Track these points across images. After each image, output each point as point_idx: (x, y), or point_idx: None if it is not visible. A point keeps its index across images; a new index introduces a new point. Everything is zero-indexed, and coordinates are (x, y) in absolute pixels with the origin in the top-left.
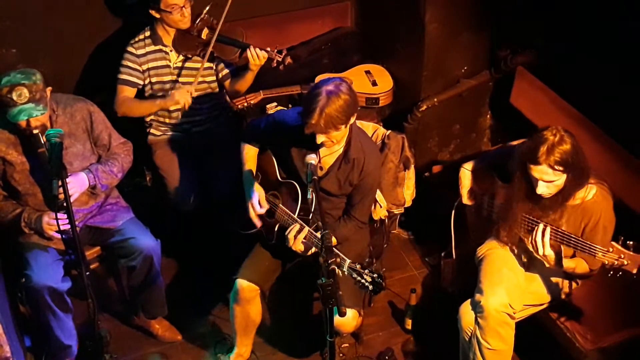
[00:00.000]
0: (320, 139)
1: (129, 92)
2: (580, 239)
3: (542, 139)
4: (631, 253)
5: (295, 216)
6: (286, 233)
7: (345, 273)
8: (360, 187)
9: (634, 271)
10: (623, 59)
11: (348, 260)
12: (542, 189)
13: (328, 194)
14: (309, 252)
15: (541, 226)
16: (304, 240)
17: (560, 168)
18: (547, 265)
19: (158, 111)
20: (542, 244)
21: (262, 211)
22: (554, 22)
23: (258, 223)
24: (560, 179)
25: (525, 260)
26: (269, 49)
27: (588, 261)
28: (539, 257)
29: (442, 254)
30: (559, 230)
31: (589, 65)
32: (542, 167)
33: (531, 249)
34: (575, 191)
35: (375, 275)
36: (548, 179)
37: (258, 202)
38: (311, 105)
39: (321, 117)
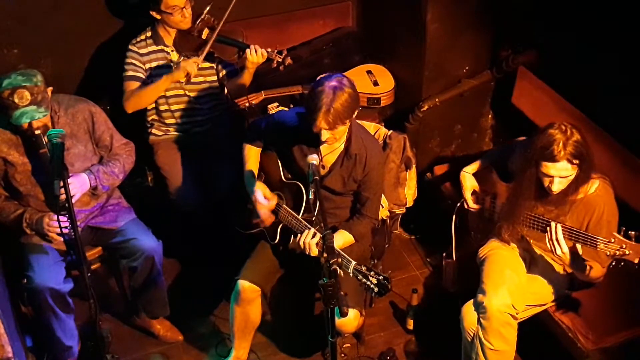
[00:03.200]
0: (325, 135)
1: (135, 86)
2: (582, 231)
3: (553, 137)
4: (633, 243)
5: (299, 217)
6: (300, 241)
7: (351, 275)
8: (367, 183)
9: (636, 261)
10: (624, 58)
11: (353, 262)
12: (557, 186)
13: (332, 192)
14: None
15: (552, 224)
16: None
17: (577, 161)
18: (568, 266)
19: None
20: (558, 242)
21: (270, 205)
22: (556, 22)
23: (269, 220)
24: (574, 173)
25: (527, 259)
26: (269, 49)
27: (594, 259)
28: (557, 257)
29: (444, 254)
30: (563, 225)
31: (590, 65)
32: (561, 164)
33: (550, 250)
34: (582, 185)
35: (381, 277)
36: (565, 175)
37: (263, 197)
38: (317, 103)
39: (329, 114)
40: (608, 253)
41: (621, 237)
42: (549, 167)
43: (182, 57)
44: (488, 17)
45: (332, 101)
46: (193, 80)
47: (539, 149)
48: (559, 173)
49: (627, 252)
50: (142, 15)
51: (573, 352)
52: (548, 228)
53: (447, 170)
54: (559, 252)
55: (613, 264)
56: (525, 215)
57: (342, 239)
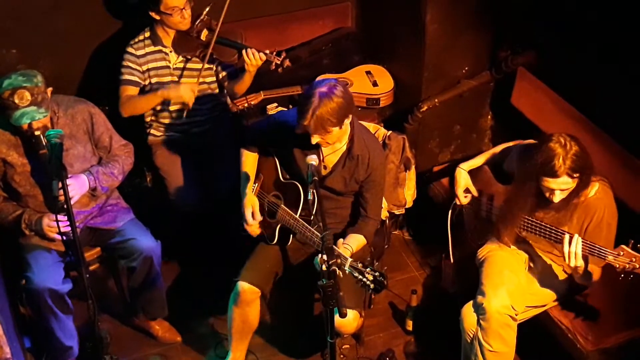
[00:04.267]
0: (314, 139)
1: (132, 91)
2: (587, 242)
3: (553, 152)
4: None
5: (297, 217)
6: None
7: (347, 272)
8: (369, 184)
9: None
10: (624, 58)
11: (350, 259)
12: (559, 197)
13: (333, 192)
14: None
15: (567, 236)
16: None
17: (577, 174)
18: (577, 275)
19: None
20: (575, 255)
21: (255, 222)
22: (555, 22)
23: (254, 233)
24: (574, 184)
25: (526, 260)
26: (267, 51)
27: (594, 264)
28: (568, 267)
29: (443, 255)
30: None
31: (589, 66)
32: (562, 179)
33: (566, 259)
34: (582, 190)
35: (377, 273)
36: (566, 187)
37: (252, 214)
38: (304, 107)
39: (312, 119)
40: (617, 266)
41: (630, 250)
42: (549, 182)
43: (181, 58)
44: (487, 18)
45: (317, 108)
46: (192, 81)
47: (540, 164)
48: (560, 186)
49: (636, 266)
50: (141, 15)
51: (572, 353)
52: (565, 239)
53: (446, 170)
54: (573, 264)
55: (622, 276)
56: (527, 220)
57: (355, 242)
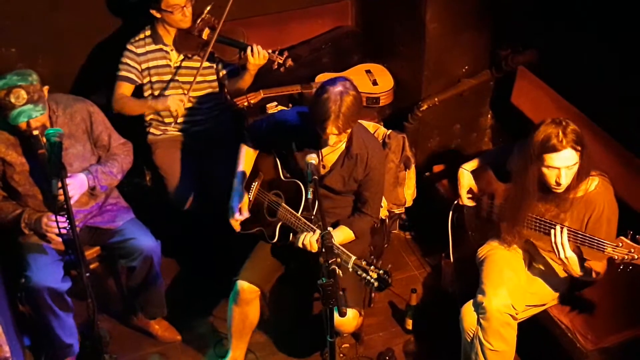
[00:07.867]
0: (333, 139)
1: (126, 88)
2: (587, 235)
3: (551, 128)
4: None
5: (299, 215)
6: (299, 243)
7: (350, 270)
8: (368, 183)
9: None
10: (624, 57)
11: (353, 257)
12: (566, 179)
13: (332, 191)
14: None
15: (558, 228)
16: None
17: (580, 147)
18: (571, 271)
19: (160, 112)
20: (562, 245)
21: (241, 218)
22: (556, 22)
23: (236, 228)
24: (577, 161)
25: (527, 259)
26: (270, 50)
27: (596, 259)
28: (560, 261)
29: (443, 254)
30: (568, 228)
31: (590, 65)
32: (565, 151)
33: (555, 253)
34: (582, 180)
35: (381, 271)
36: (571, 163)
37: (239, 209)
38: (326, 110)
39: (339, 120)
40: (616, 257)
41: (629, 241)
42: (553, 159)
43: (182, 57)
44: (487, 17)
45: (340, 107)
46: (180, 91)
47: (539, 143)
48: (565, 163)
49: (635, 257)
50: (141, 13)
51: (572, 352)
52: (552, 231)
53: (446, 169)
54: (562, 255)
55: (621, 268)
56: (527, 216)
57: (342, 235)
